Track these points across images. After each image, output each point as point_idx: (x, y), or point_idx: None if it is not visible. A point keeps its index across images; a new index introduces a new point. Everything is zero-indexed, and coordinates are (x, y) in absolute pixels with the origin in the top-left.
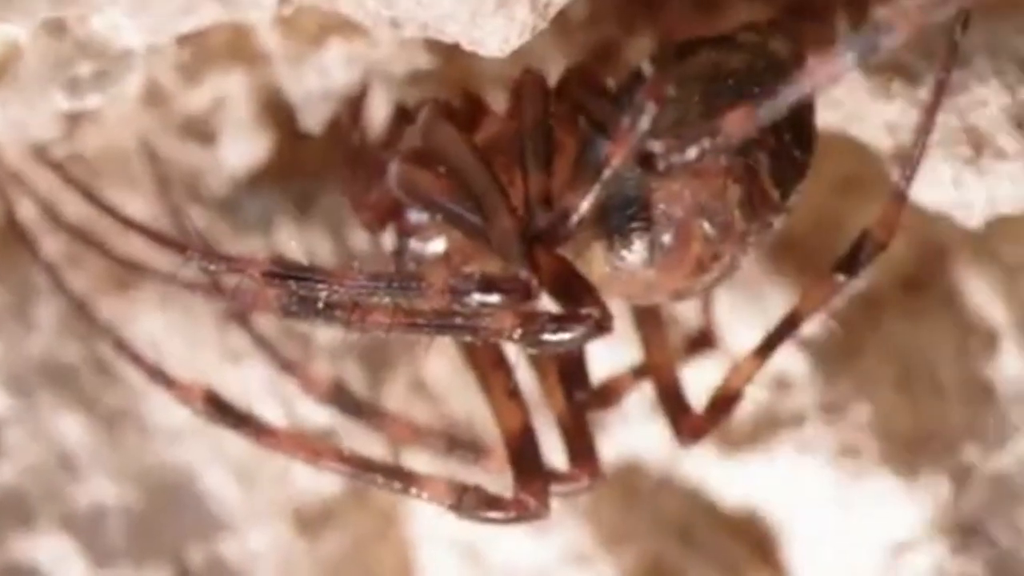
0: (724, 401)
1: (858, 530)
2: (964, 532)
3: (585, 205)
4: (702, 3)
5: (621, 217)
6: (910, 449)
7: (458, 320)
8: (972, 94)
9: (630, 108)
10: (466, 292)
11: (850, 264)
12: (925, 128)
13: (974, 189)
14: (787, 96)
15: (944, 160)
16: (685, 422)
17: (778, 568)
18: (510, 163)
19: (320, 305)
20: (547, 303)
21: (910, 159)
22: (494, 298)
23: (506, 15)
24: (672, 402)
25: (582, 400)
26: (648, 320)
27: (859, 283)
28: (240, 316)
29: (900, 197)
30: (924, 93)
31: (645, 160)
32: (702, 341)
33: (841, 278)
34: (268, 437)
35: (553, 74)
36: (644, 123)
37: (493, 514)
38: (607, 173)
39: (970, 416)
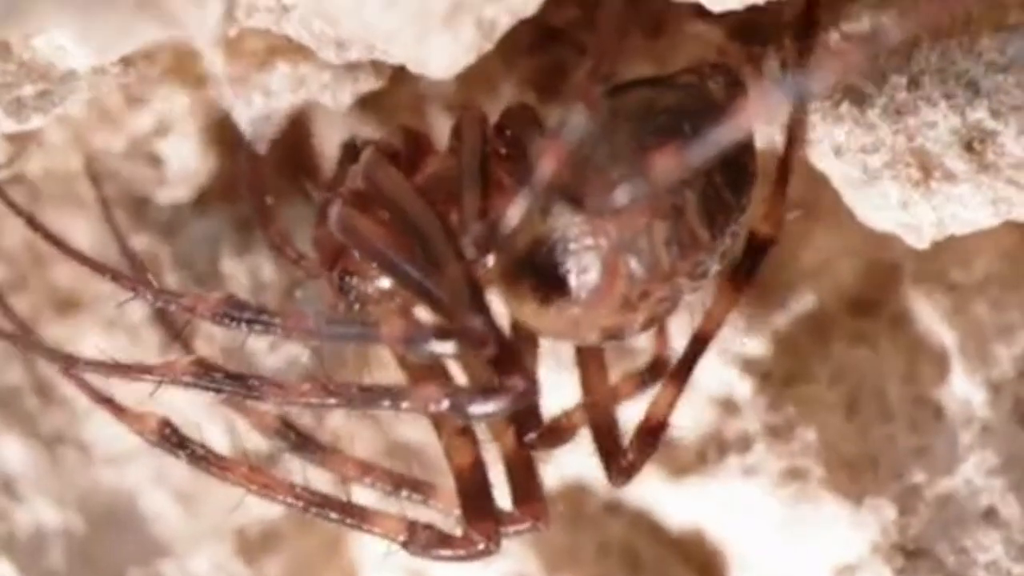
0: (649, 434)
1: (804, 553)
2: (910, 555)
3: (515, 213)
4: (649, 24)
5: (547, 253)
6: (856, 472)
7: (384, 394)
8: (921, 116)
9: (561, 116)
10: (422, 341)
11: (744, 270)
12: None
13: (923, 211)
14: (716, 137)
15: (893, 181)
16: (616, 463)
17: None
18: (453, 201)
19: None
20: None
21: (789, 151)
22: (449, 347)
23: (451, 35)
24: (606, 443)
25: (532, 441)
26: (588, 359)
27: (807, 306)
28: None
29: (781, 188)
30: (873, 115)
31: (574, 199)
32: (658, 369)
33: (741, 275)
34: (222, 469)
35: (504, 97)
36: (575, 129)
37: (444, 552)
38: (538, 177)
39: (918, 439)
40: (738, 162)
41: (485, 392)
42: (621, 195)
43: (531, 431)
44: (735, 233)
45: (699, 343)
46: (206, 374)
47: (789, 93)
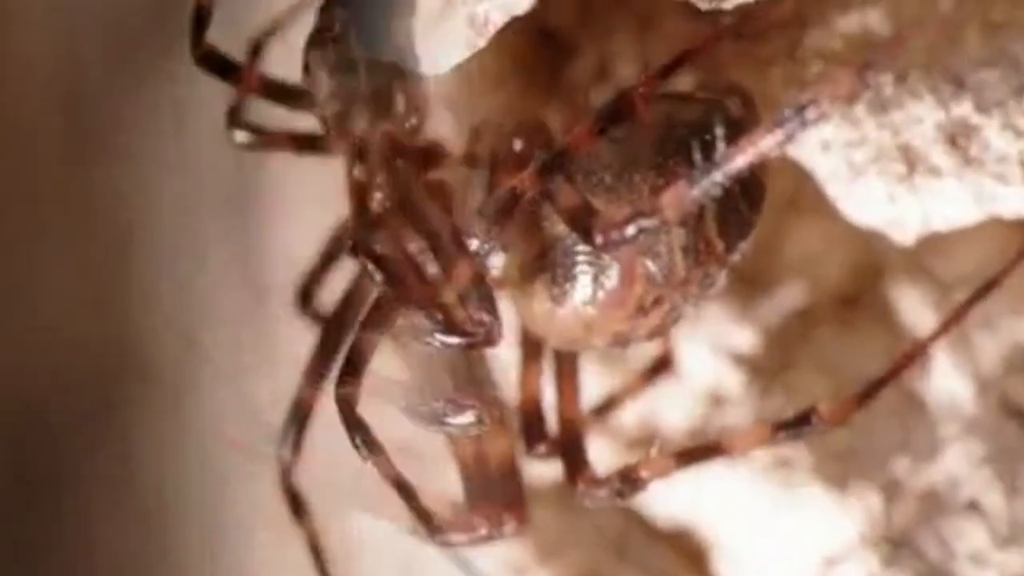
0: (628, 483)
1: (790, 543)
2: (894, 545)
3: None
4: (636, 20)
5: (565, 252)
6: (841, 463)
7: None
8: (906, 111)
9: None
10: (431, 332)
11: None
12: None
13: (908, 207)
14: (723, 173)
15: (878, 177)
16: (580, 478)
17: None
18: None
19: None
20: None
21: None
22: (455, 340)
23: (443, 32)
24: (572, 457)
25: (540, 452)
26: (564, 373)
27: (794, 300)
28: None
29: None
30: (859, 110)
31: (584, 232)
32: (661, 365)
33: (781, 435)
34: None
35: (499, 96)
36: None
37: (456, 537)
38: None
39: (901, 431)
40: (753, 175)
41: (455, 324)
42: (630, 231)
43: (538, 442)
44: (744, 250)
45: (712, 452)
46: None
47: (796, 128)
